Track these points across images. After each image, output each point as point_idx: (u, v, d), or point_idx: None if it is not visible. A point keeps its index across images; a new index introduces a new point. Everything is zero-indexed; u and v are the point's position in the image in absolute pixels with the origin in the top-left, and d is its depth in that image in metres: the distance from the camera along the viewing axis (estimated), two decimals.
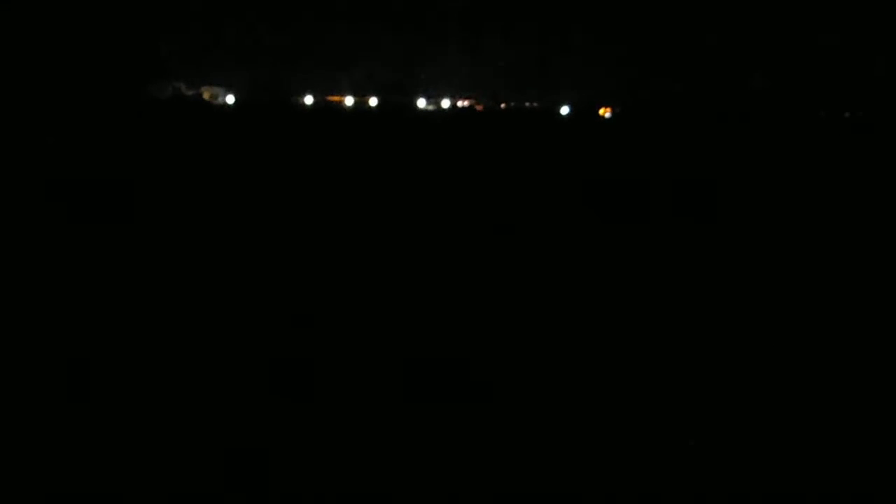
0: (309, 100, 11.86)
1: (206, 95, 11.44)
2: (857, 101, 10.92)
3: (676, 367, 3.93)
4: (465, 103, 12.66)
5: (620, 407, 3.45)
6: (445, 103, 12.57)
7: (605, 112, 12.54)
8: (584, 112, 12.58)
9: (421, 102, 12.38)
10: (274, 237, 6.58)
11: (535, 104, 12.66)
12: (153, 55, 10.79)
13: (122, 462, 2.79)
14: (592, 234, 7.31)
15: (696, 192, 8.64)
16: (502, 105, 12.48)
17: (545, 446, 3.06)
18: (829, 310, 4.91)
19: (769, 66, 11.26)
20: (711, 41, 11.49)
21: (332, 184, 8.90)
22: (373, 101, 12.07)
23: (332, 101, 12.10)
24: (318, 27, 11.52)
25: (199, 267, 5.56)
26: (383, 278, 5.55)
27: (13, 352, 3.76)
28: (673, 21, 11.61)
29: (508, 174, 9.99)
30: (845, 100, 10.99)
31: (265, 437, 3.02)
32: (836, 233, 6.99)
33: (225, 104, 11.45)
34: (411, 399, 3.43)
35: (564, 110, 12.68)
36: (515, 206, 8.49)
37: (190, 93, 11.31)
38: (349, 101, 12.14)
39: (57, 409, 3.15)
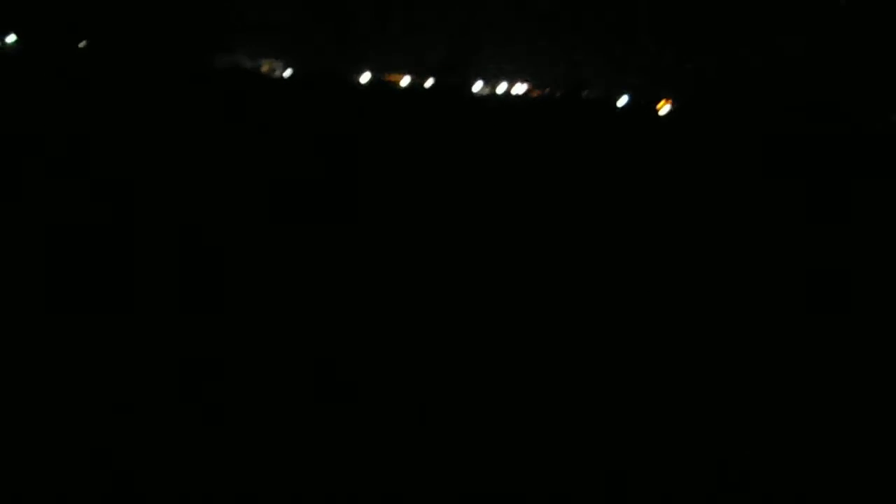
0: (365, 77, 11.97)
1: (264, 68, 11.66)
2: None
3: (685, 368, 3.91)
4: (522, 89, 12.60)
5: (620, 407, 3.45)
6: (502, 87, 12.54)
7: (664, 105, 12.34)
8: (643, 106, 12.39)
9: (477, 86, 12.37)
10: (323, 213, 6.65)
11: (590, 94, 12.52)
12: (215, 29, 11.02)
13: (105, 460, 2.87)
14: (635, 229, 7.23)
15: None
16: (558, 94, 12.37)
17: (543, 446, 3.09)
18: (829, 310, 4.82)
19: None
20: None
21: (382, 163, 8.96)
22: (429, 83, 12.11)
23: (389, 80, 12.18)
24: (379, 5, 11.60)
25: (239, 240, 5.65)
26: (419, 265, 5.57)
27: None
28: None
29: (555, 167, 9.93)
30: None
31: (266, 435, 3.09)
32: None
33: (282, 77, 11.65)
34: (416, 397, 3.48)
35: (622, 102, 12.52)
36: (559, 199, 8.43)
37: (249, 65, 11.54)
38: (405, 80, 12.21)
39: (55, 406, 3.24)
